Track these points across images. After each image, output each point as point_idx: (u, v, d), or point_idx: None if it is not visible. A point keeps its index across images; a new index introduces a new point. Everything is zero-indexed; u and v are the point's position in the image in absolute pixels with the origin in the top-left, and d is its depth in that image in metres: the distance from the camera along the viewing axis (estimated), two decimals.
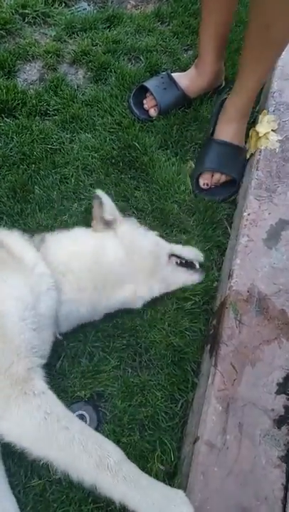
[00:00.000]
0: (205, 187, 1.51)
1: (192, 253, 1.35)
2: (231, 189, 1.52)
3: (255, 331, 1.16)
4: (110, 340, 1.21)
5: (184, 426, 1.16)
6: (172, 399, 1.18)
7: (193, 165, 1.57)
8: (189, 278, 1.31)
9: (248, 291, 1.22)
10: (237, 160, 1.52)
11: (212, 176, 1.51)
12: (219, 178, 1.51)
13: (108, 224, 1.24)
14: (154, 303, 1.27)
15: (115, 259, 1.16)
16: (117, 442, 1.08)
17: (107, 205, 1.25)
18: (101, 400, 1.16)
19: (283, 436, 1.04)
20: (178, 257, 1.32)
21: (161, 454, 1.09)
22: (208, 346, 1.22)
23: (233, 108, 1.48)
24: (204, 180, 1.51)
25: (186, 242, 1.39)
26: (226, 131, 1.51)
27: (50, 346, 1.09)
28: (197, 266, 1.33)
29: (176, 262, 1.30)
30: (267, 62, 1.37)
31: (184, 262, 1.32)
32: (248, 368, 1.11)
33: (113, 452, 0.88)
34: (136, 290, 1.21)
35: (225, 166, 1.50)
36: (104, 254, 1.16)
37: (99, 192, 1.28)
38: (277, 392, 1.09)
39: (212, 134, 1.55)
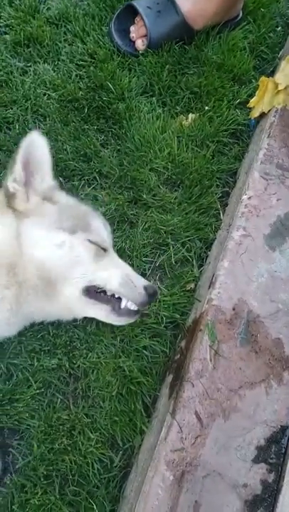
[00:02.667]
0: None
1: (123, 288, 0.85)
2: None
3: (236, 367, 0.83)
4: (36, 357, 0.88)
5: (125, 481, 0.85)
6: (113, 444, 0.86)
7: (186, 120, 1.17)
8: (104, 318, 0.87)
9: (234, 309, 0.87)
10: None
11: None
12: None
13: (11, 198, 0.81)
14: None
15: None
16: (25, 503, 0.78)
17: (21, 160, 0.79)
18: (13, 437, 0.85)
19: None
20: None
21: None
22: (170, 377, 0.89)
23: None
24: None
25: (164, 223, 1.02)
26: None
27: None
28: (122, 304, 0.87)
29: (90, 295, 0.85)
30: None
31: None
32: (218, 422, 0.79)
33: None
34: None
35: None
36: None
37: (34, 134, 0.80)
38: (255, 460, 0.77)
39: None
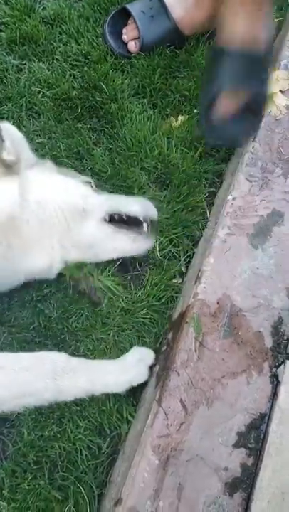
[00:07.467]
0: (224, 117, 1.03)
1: (140, 207, 0.98)
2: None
3: (219, 358, 0.87)
4: (27, 347, 0.91)
5: (111, 467, 0.89)
6: (100, 432, 0.90)
7: (175, 122, 1.21)
8: (130, 247, 0.97)
9: (218, 303, 0.91)
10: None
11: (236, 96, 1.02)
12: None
13: (10, 167, 0.88)
14: (93, 303, 0.97)
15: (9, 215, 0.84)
16: (15, 487, 0.81)
17: (8, 138, 0.88)
18: (4, 425, 0.88)
19: (235, 507, 0.77)
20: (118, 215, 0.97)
21: (74, 507, 0.82)
22: (157, 368, 0.93)
23: None
24: (225, 107, 1.02)
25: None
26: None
27: None
28: (144, 227, 0.97)
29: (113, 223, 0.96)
30: None
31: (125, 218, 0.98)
32: (202, 409, 0.83)
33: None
34: (51, 260, 0.91)
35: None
36: None
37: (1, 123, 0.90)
38: (236, 445, 0.81)
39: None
